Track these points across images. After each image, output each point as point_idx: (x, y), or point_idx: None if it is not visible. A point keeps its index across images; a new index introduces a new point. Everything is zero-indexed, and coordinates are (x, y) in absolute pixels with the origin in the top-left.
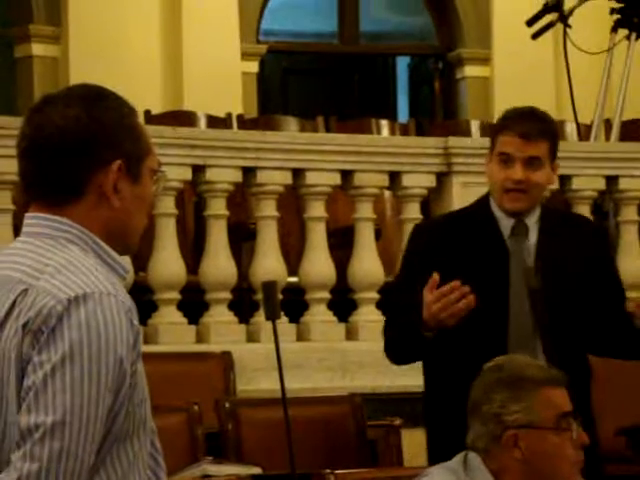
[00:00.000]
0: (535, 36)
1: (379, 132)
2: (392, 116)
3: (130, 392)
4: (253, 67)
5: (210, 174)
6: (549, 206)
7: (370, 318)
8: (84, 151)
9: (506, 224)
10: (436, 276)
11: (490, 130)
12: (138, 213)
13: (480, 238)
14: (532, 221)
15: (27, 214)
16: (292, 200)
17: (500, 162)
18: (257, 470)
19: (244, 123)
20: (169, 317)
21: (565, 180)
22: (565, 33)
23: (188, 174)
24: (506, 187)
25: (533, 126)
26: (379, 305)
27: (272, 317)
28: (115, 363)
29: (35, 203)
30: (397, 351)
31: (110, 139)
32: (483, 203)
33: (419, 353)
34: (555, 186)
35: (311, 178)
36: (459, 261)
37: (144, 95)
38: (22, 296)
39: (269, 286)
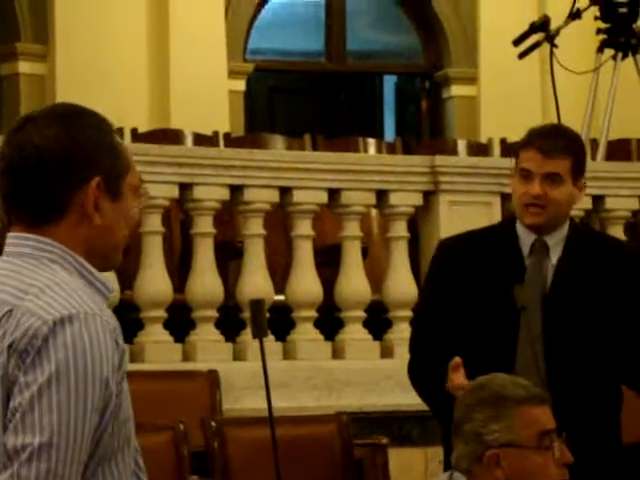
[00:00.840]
0: (521, 56)
1: (366, 150)
2: (379, 135)
3: (115, 411)
4: (240, 85)
5: (197, 192)
6: (581, 226)
7: (357, 337)
8: (63, 170)
9: (526, 241)
10: (458, 359)
11: (514, 146)
12: (120, 230)
13: (500, 256)
14: (555, 240)
15: (9, 234)
16: (279, 218)
17: (521, 178)
18: None
19: (231, 141)
20: (155, 335)
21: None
22: (552, 53)
23: (175, 192)
24: (525, 202)
25: (554, 142)
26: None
27: (259, 335)
28: (101, 383)
29: (17, 223)
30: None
31: (89, 157)
32: (508, 221)
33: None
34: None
35: (298, 196)
36: (478, 278)
37: (131, 113)
38: (7, 317)
39: (257, 304)
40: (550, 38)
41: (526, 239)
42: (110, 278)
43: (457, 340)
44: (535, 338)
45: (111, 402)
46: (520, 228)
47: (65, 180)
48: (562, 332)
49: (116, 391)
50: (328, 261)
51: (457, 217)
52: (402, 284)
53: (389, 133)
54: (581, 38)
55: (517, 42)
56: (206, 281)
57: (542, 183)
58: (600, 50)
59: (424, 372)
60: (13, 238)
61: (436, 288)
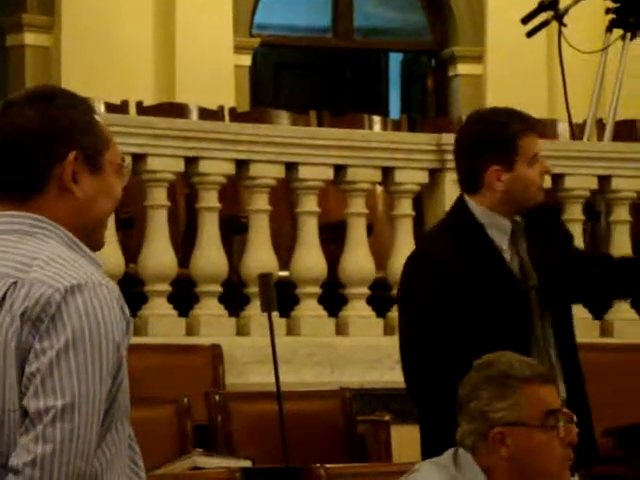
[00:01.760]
0: (530, 34)
1: (371, 128)
2: (384, 112)
3: (122, 378)
4: (246, 60)
5: (203, 166)
6: None
7: (360, 313)
8: (41, 147)
9: (502, 226)
10: None
11: (496, 141)
12: (101, 205)
13: (479, 257)
14: (517, 217)
15: None
16: (284, 194)
17: (530, 164)
18: (247, 463)
19: (236, 116)
20: (159, 309)
21: (557, 179)
22: (560, 32)
23: (181, 166)
24: (542, 181)
25: (533, 119)
26: (406, 357)
27: (268, 309)
28: (113, 348)
29: (3, 200)
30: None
31: (64, 135)
32: (464, 214)
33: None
34: (548, 185)
35: (304, 172)
36: (470, 288)
37: (136, 86)
38: (12, 289)
39: (265, 278)
40: (559, 17)
41: (500, 223)
42: (115, 251)
43: (472, 349)
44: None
45: (122, 367)
46: (486, 216)
47: (43, 156)
48: (556, 304)
49: (125, 356)
50: (333, 238)
51: None
52: None
53: (394, 111)
54: (590, 17)
55: (525, 20)
56: (211, 256)
57: None
58: (609, 30)
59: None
60: (2, 216)
61: (434, 309)
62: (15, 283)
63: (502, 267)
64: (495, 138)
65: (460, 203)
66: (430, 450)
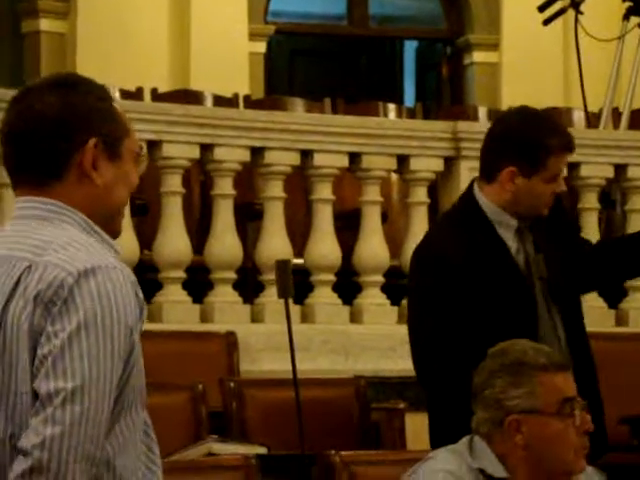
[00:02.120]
0: (546, 22)
1: (386, 116)
2: (398, 100)
3: (135, 362)
4: (260, 48)
5: (218, 153)
6: None
7: (375, 301)
8: (61, 133)
9: (509, 223)
10: None
11: (526, 146)
12: (119, 191)
13: (486, 252)
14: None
15: (17, 198)
16: (299, 181)
17: (547, 181)
18: (263, 450)
19: (251, 104)
20: (174, 296)
21: (573, 168)
22: (576, 20)
23: (196, 152)
24: (551, 199)
25: (570, 137)
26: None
27: (285, 295)
28: (126, 332)
29: (21, 187)
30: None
31: (85, 122)
32: (472, 207)
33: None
34: (563, 173)
35: (319, 159)
36: (476, 282)
37: (151, 73)
38: (27, 272)
39: (283, 264)
40: (576, 5)
41: (507, 221)
42: (129, 237)
43: (479, 340)
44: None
45: (134, 351)
46: (493, 211)
47: (64, 143)
48: (561, 294)
49: (137, 341)
50: (347, 225)
51: None
52: None
53: (409, 99)
54: (606, 5)
55: (542, 8)
56: (225, 242)
57: None
58: (626, 18)
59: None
60: (21, 202)
61: (442, 302)
62: (30, 267)
63: (508, 260)
64: (527, 144)
65: (469, 195)
66: (439, 438)
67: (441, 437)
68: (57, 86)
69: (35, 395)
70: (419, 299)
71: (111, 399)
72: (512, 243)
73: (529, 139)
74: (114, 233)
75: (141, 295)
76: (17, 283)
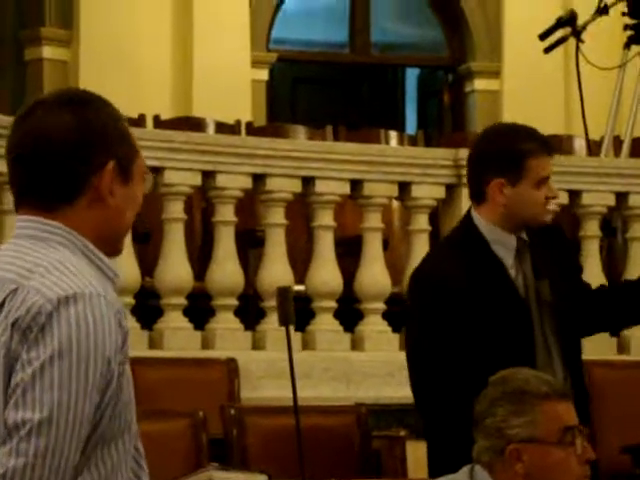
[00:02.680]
0: (547, 50)
1: (387, 143)
2: (400, 127)
3: (117, 394)
4: (263, 75)
5: (220, 180)
6: None
7: (376, 328)
8: (78, 155)
9: (507, 243)
10: None
11: (504, 155)
12: (127, 214)
13: (484, 273)
14: (524, 235)
15: (19, 217)
16: (300, 208)
17: (539, 185)
18: (263, 478)
19: (253, 131)
20: (175, 322)
21: (574, 196)
22: (577, 48)
23: (198, 179)
24: (547, 205)
25: (548, 141)
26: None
27: (286, 322)
28: (103, 362)
29: (26, 206)
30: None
31: (102, 143)
32: (469, 229)
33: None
34: (564, 201)
35: (320, 186)
36: (475, 304)
37: (153, 100)
38: (12, 295)
39: (284, 291)
40: (577, 33)
41: (503, 240)
42: (131, 264)
43: (479, 366)
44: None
45: (113, 382)
46: (490, 231)
47: (79, 166)
48: (561, 320)
49: (117, 372)
50: (349, 252)
51: None
52: None
53: (411, 126)
54: (608, 34)
55: (543, 36)
56: (227, 269)
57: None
58: (627, 46)
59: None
60: (23, 221)
61: (440, 327)
62: (16, 290)
63: (506, 281)
64: (504, 152)
65: (467, 218)
66: (438, 466)
67: (439, 465)
68: (68, 104)
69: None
70: (417, 323)
71: (82, 431)
72: (510, 264)
73: (505, 147)
74: (117, 252)
75: (125, 324)
76: (2, 305)
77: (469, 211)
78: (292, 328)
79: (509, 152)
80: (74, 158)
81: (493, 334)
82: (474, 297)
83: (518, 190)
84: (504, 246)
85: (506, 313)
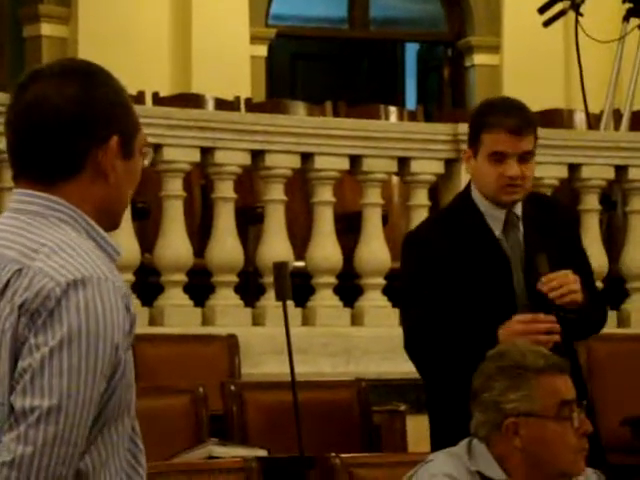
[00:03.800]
0: (547, 24)
1: (387, 118)
2: (400, 103)
3: (121, 378)
4: (262, 51)
5: (219, 156)
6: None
7: (376, 304)
8: (81, 129)
9: (496, 216)
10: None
11: (470, 126)
12: (127, 189)
13: (472, 237)
14: (519, 210)
15: (16, 190)
16: (300, 184)
17: (492, 161)
18: (263, 452)
19: (252, 107)
20: (175, 299)
21: (574, 169)
22: (577, 21)
23: (196, 156)
24: (502, 183)
25: (521, 119)
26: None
27: (283, 297)
28: (111, 349)
29: (25, 179)
30: (447, 368)
31: (106, 116)
32: (465, 199)
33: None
34: (564, 175)
35: (320, 162)
36: (458, 264)
37: (152, 77)
38: (16, 276)
39: (280, 266)
40: (576, 6)
41: (493, 214)
42: (131, 241)
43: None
44: (527, 310)
45: (119, 368)
46: (483, 204)
47: (83, 139)
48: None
49: (124, 358)
50: (348, 228)
51: None
52: None
53: (410, 101)
54: (607, 7)
55: (542, 10)
56: (226, 246)
57: (518, 163)
58: (626, 19)
59: (435, 335)
60: (20, 195)
61: (419, 278)
62: (20, 270)
63: (491, 245)
64: (471, 123)
65: (466, 188)
66: (437, 432)
67: (438, 428)
68: (72, 75)
69: (12, 408)
70: (404, 288)
71: (89, 418)
72: (498, 235)
73: (472, 118)
74: (115, 226)
75: (132, 308)
76: (6, 286)
77: (469, 182)
78: (292, 304)
79: (472, 123)
80: (76, 131)
81: (474, 292)
82: (456, 257)
83: (477, 163)
84: (492, 217)
85: (488, 273)
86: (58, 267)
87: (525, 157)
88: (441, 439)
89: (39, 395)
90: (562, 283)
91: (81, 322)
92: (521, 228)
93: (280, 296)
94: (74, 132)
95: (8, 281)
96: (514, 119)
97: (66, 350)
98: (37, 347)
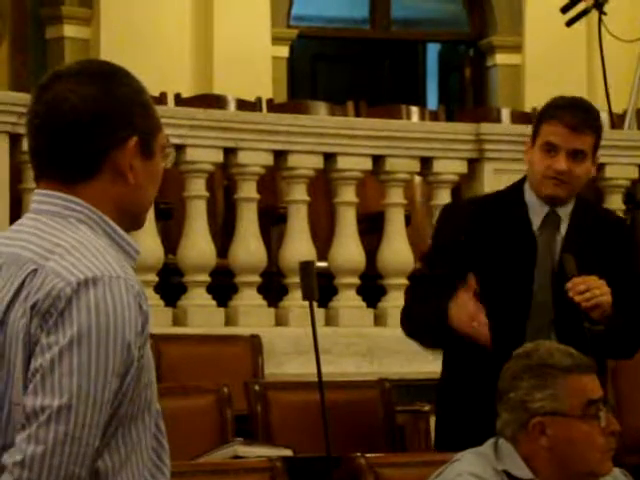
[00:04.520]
0: (569, 23)
1: (409, 118)
2: (421, 103)
3: (137, 376)
4: (283, 52)
5: (241, 157)
6: (583, 198)
7: (399, 304)
8: (101, 129)
9: (538, 212)
10: (473, 282)
11: (536, 117)
12: (149, 189)
13: (508, 224)
14: (564, 212)
15: (37, 190)
16: (322, 184)
17: (544, 151)
18: (288, 452)
19: (273, 107)
20: (198, 299)
21: (598, 169)
22: (600, 20)
23: (219, 156)
24: (547, 175)
25: (581, 118)
26: (409, 286)
27: (309, 297)
28: (123, 348)
29: (45, 180)
30: (421, 333)
31: (126, 116)
32: (516, 189)
33: (442, 341)
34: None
35: (342, 163)
36: (486, 245)
37: (174, 78)
38: (31, 276)
39: (306, 266)
40: (599, 5)
41: (537, 208)
42: (154, 242)
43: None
44: (547, 309)
45: (132, 367)
46: (530, 197)
47: (102, 139)
48: (572, 305)
49: (137, 356)
50: (371, 228)
51: (501, 185)
52: None
53: (432, 101)
54: (630, 6)
55: (565, 9)
56: (249, 246)
57: (567, 158)
58: None
59: (423, 307)
60: (40, 195)
61: (441, 248)
62: (35, 271)
63: (527, 239)
64: (537, 114)
65: (522, 178)
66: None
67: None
68: (93, 75)
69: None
70: (427, 253)
71: (102, 416)
72: (535, 228)
73: (539, 110)
74: (138, 227)
75: (145, 306)
76: (21, 286)
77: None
78: (315, 304)
79: (538, 114)
80: (95, 131)
81: (492, 278)
82: (485, 239)
83: (533, 153)
84: (534, 211)
85: (512, 262)
86: (70, 267)
87: (577, 155)
88: (445, 437)
89: (50, 395)
90: (590, 287)
91: (91, 321)
92: (562, 230)
93: (307, 296)
94: (93, 132)
95: (23, 282)
96: (573, 115)
97: (76, 349)
98: (48, 347)
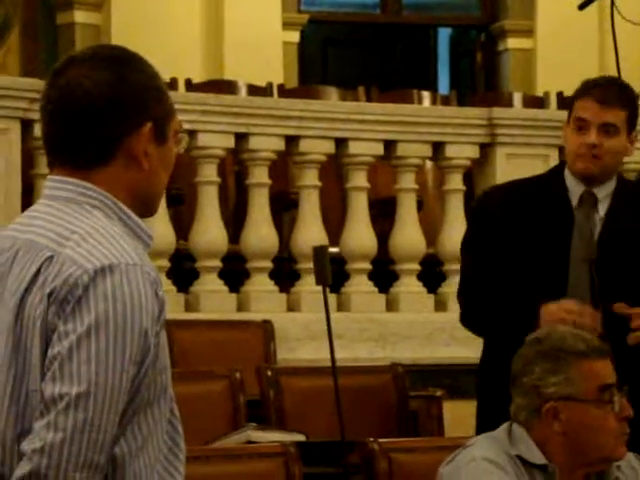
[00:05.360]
0: (582, 7)
1: (420, 103)
2: (433, 87)
3: (153, 362)
4: (294, 37)
5: (253, 142)
6: (626, 180)
7: (411, 289)
8: (115, 114)
9: (575, 192)
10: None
11: (571, 97)
12: (163, 175)
13: (548, 205)
14: (604, 193)
15: (50, 176)
16: (334, 170)
17: (576, 128)
18: (301, 437)
19: (284, 93)
20: (210, 285)
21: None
22: (612, 4)
23: (231, 142)
24: (580, 152)
25: (611, 92)
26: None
27: (323, 282)
28: (140, 335)
29: (59, 166)
30: (491, 332)
31: (140, 102)
32: (556, 171)
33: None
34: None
35: (354, 148)
36: (524, 226)
37: (185, 64)
38: (47, 263)
39: (320, 251)
40: None
41: (575, 189)
42: (166, 227)
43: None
44: (583, 292)
45: (149, 354)
46: (569, 178)
47: (118, 125)
48: (609, 286)
49: (154, 342)
50: (382, 213)
51: (513, 170)
52: (457, 237)
53: (443, 86)
54: None
55: None
56: (261, 232)
57: (598, 133)
58: None
59: (487, 303)
60: (54, 181)
61: (480, 235)
62: (51, 257)
63: (567, 219)
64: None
65: (563, 161)
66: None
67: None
68: (107, 61)
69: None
70: (464, 237)
71: (120, 403)
72: (574, 206)
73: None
74: (152, 213)
75: (161, 293)
76: (37, 273)
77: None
78: (327, 289)
79: (574, 93)
80: (110, 116)
81: (529, 260)
82: (523, 221)
83: (566, 130)
84: (572, 192)
85: (549, 241)
86: (86, 254)
87: (608, 129)
88: (486, 423)
89: (68, 382)
90: None
91: (108, 309)
92: (601, 211)
93: (320, 280)
94: (107, 118)
95: (39, 269)
96: (604, 90)
97: (94, 337)
98: (66, 334)
